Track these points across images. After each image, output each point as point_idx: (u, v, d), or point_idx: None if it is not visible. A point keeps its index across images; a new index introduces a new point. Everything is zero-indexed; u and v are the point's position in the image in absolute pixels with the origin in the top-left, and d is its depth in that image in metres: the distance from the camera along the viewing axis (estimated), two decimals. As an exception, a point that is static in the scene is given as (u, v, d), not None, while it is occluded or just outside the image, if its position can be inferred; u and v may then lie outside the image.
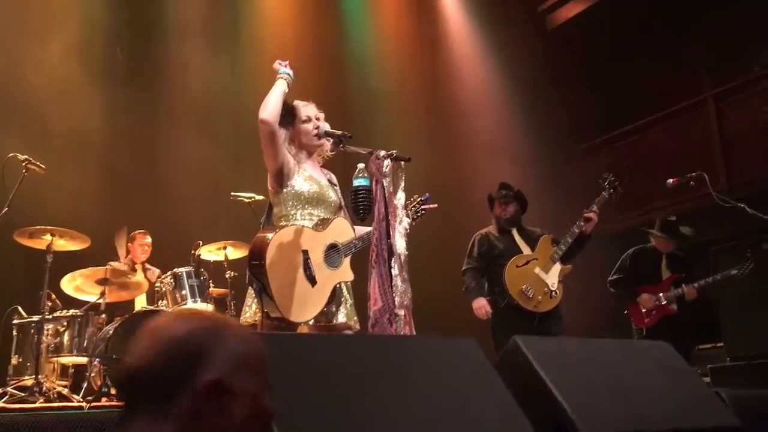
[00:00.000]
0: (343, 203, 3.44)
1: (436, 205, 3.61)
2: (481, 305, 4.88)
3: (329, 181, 3.47)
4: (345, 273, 3.28)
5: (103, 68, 6.81)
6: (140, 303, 5.72)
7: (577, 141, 9.15)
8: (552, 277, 4.80)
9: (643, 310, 5.43)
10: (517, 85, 8.50)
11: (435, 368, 2.12)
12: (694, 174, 4.68)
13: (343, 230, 3.33)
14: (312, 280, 3.12)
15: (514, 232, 5.04)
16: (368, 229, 3.29)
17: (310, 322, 3.18)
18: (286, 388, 1.81)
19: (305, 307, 3.09)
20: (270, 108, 3.17)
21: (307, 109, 3.43)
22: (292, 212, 3.29)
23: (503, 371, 2.30)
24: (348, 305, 3.32)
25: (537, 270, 4.81)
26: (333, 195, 3.40)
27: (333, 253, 3.24)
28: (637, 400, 2.38)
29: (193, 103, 7.19)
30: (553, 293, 4.77)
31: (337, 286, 3.24)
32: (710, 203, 4.61)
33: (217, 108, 7.29)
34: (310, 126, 3.39)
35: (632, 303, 5.51)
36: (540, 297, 4.73)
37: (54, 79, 6.41)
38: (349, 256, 3.30)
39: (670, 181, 4.79)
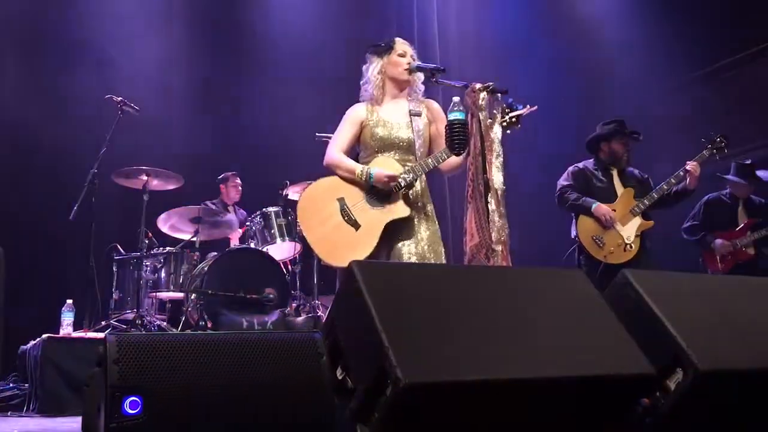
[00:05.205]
0: (418, 139, 3.37)
1: (533, 108, 3.20)
2: (605, 210, 4.54)
3: (412, 114, 3.40)
4: (396, 210, 3.23)
5: (184, 10, 6.89)
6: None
7: (718, 58, 7.76)
8: (629, 230, 4.55)
9: (718, 256, 5.23)
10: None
11: (545, 299, 2.09)
12: None
13: (384, 167, 3.28)
14: (355, 225, 3.17)
15: (615, 173, 4.75)
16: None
17: None
18: (398, 318, 1.81)
19: (354, 250, 3.09)
20: (335, 165, 3.33)
21: (405, 45, 3.49)
22: (369, 157, 3.37)
23: (612, 305, 2.24)
24: (418, 238, 3.26)
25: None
26: (404, 134, 3.36)
27: (375, 193, 3.25)
28: (754, 336, 2.28)
29: (275, 45, 7.19)
30: (628, 246, 4.52)
31: (401, 222, 3.21)
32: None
33: (300, 49, 7.27)
34: (403, 60, 3.44)
35: (706, 249, 5.34)
36: (612, 248, 4.49)
37: (134, 20, 6.53)
38: (400, 192, 3.24)
39: None
